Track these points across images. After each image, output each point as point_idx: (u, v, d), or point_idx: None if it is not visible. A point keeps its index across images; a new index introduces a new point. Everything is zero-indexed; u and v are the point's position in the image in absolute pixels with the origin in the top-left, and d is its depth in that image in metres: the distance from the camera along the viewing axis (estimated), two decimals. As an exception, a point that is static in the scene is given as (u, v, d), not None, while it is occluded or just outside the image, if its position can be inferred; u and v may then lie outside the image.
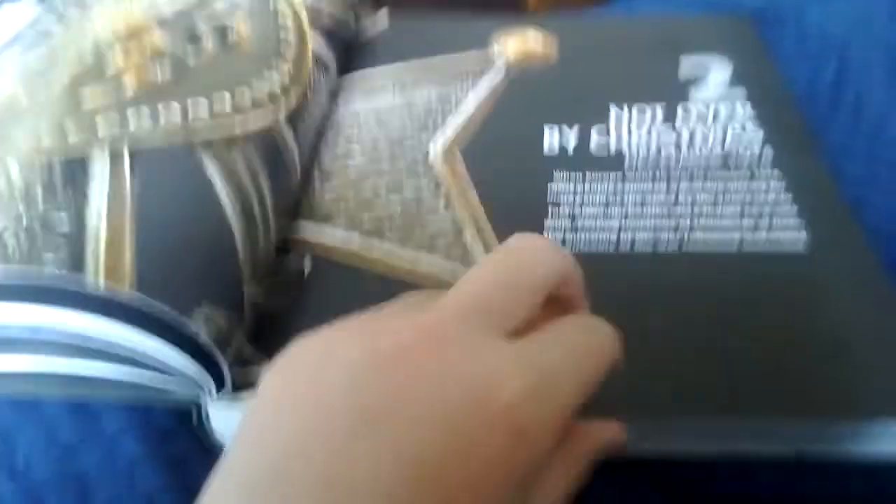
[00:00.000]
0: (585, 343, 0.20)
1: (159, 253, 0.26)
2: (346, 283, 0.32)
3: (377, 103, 0.42)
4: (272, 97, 0.34)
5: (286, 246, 0.34)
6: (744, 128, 0.38)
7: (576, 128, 0.39)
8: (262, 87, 0.33)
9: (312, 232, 0.34)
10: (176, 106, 0.29)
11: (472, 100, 0.41)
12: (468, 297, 0.19)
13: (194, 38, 0.33)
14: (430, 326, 0.17)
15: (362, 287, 0.32)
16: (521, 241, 0.21)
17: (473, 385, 0.16)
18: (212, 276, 0.27)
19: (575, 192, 0.35)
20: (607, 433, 0.22)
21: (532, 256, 0.20)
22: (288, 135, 0.34)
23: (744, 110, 0.40)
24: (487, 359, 0.17)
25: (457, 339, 0.17)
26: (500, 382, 0.16)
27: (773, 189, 0.35)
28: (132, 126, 0.28)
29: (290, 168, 0.34)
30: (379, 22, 0.50)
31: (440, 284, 0.32)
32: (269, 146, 0.33)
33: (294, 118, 0.35)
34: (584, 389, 0.19)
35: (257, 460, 0.16)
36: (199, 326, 0.25)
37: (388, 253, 0.33)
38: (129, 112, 0.28)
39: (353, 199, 0.36)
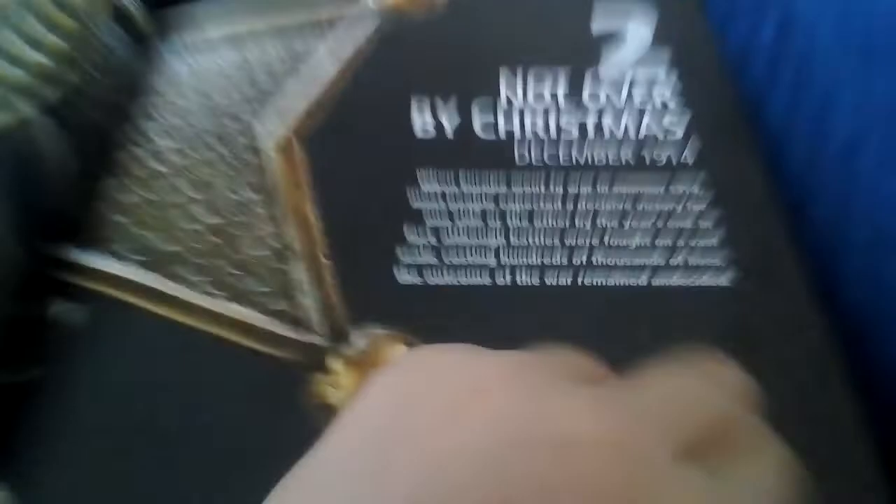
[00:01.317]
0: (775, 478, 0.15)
1: None
2: (130, 336, 0.24)
3: (201, 63, 0.32)
4: (20, 88, 0.24)
5: (44, 289, 0.25)
6: (665, 107, 0.31)
7: (453, 101, 0.31)
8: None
9: (93, 265, 0.25)
10: None
11: (326, 60, 0.32)
12: (656, 405, 0.15)
13: None
14: (616, 430, 0.13)
15: (150, 342, 0.24)
16: (713, 369, 0.17)
17: None
18: None
19: (444, 199, 0.27)
20: None
21: (723, 391, 0.16)
22: (48, 132, 0.25)
23: (667, 81, 0.32)
24: (663, 482, 0.13)
25: (637, 455, 0.13)
26: None
27: (695, 200, 0.27)
28: None
29: (48, 177, 0.25)
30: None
31: (251, 334, 0.24)
32: (11, 148, 0.23)
33: (65, 107, 0.25)
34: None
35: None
36: None
37: (190, 294, 0.25)
38: None
39: (153, 215, 0.27)
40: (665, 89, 0.31)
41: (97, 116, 0.28)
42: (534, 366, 0.15)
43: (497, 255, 0.26)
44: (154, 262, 0.25)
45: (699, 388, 0.16)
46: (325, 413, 0.22)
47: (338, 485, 0.13)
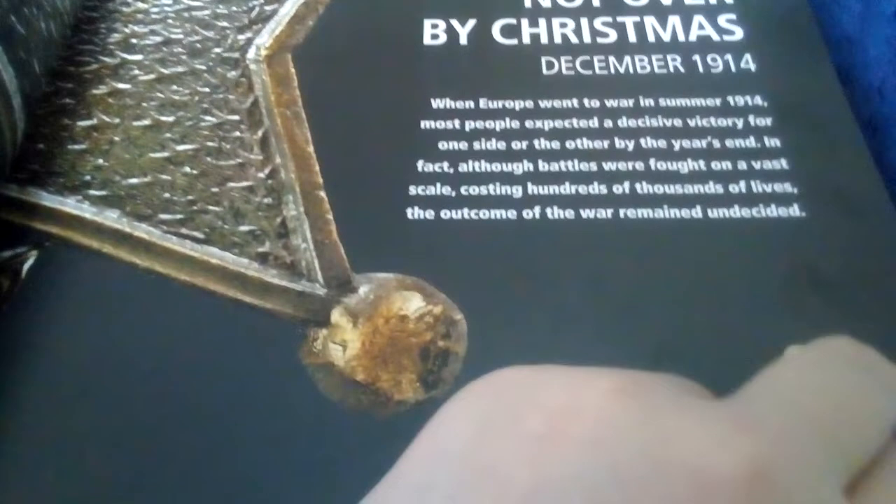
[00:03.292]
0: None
1: None
2: (87, 286, 0.20)
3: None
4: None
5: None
6: (720, 2, 0.26)
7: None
8: None
9: (42, 202, 0.21)
10: None
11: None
12: (805, 420, 0.12)
13: None
14: (765, 463, 0.10)
15: (112, 292, 0.20)
16: (868, 360, 0.13)
17: None
18: None
19: (459, 119, 0.23)
20: None
21: (888, 393, 0.13)
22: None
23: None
24: None
25: (799, 491, 0.11)
26: None
27: (758, 114, 0.23)
28: None
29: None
30: None
31: (235, 280, 0.20)
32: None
33: (2, 13, 0.21)
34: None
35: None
36: None
37: (159, 235, 0.21)
38: None
39: (113, 142, 0.23)
40: (718, -16, 0.26)
41: (44, 25, 0.23)
42: (644, 382, 0.12)
43: (523, 185, 0.22)
44: (115, 197, 0.21)
45: (859, 386, 0.12)
46: (329, 375, 0.19)
47: None
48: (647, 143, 0.22)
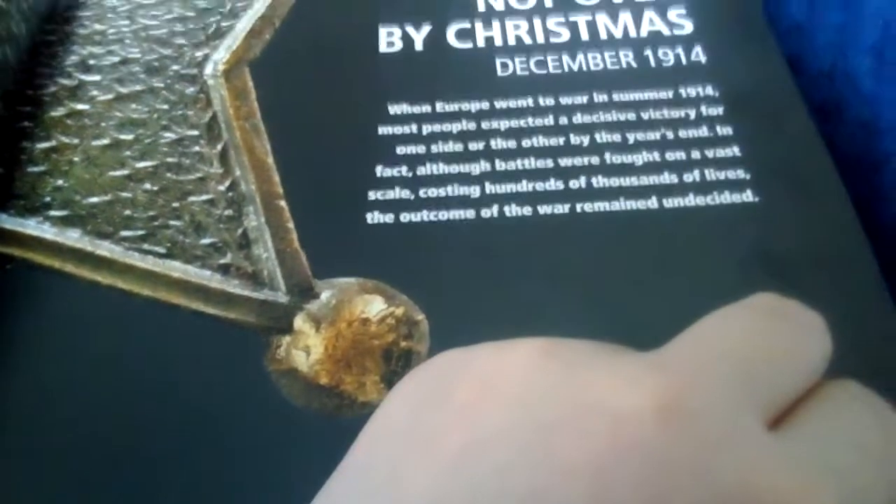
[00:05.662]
0: (884, 440, 0.13)
1: None
2: (49, 306, 0.20)
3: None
4: None
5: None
6: (668, 3, 0.26)
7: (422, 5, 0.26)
8: None
9: (5, 227, 0.22)
10: None
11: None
12: (720, 360, 0.12)
13: None
14: (676, 395, 0.11)
15: (75, 311, 0.20)
16: (788, 309, 0.14)
17: (746, 498, 0.11)
18: None
19: (416, 122, 0.23)
20: None
21: (806, 335, 0.14)
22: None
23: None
24: (758, 458, 0.11)
25: (711, 419, 0.11)
26: (789, 500, 0.11)
27: (710, 103, 0.23)
28: None
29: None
30: None
31: (197, 293, 0.20)
32: None
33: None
34: None
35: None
36: None
37: (120, 253, 0.21)
38: None
39: (73, 162, 0.23)
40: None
41: (0, 49, 0.24)
42: (566, 343, 0.13)
43: (481, 185, 0.22)
44: (76, 217, 0.21)
45: (774, 331, 0.13)
46: (293, 381, 0.19)
47: (355, 502, 0.12)
48: (602, 137, 0.23)
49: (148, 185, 0.22)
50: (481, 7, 0.27)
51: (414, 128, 0.23)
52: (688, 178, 0.22)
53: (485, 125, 0.23)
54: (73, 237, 0.21)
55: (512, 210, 0.21)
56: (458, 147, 0.23)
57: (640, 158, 0.22)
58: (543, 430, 0.11)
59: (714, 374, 0.12)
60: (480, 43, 0.26)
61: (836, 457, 0.12)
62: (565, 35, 0.26)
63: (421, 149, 0.23)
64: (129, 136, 0.23)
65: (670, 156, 0.22)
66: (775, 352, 0.13)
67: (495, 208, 0.21)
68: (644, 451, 0.10)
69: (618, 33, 0.26)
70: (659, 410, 0.11)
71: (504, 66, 0.25)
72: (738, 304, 0.14)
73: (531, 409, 0.11)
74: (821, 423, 0.12)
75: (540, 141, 0.23)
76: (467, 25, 0.26)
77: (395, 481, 0.11)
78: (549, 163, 0.22)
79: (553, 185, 0.22)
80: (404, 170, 0.22)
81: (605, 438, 0.10)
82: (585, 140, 0.23)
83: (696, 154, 0.22)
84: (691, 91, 0.24)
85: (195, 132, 0.23)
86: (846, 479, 0.11)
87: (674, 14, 0.26)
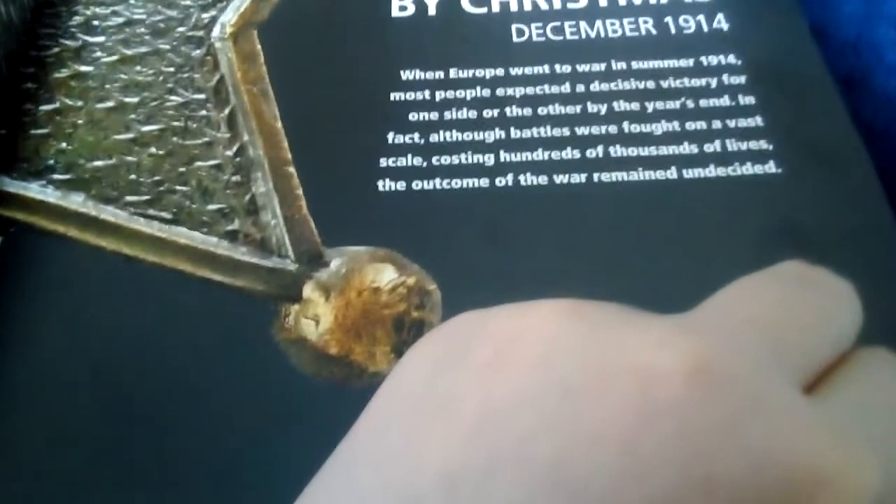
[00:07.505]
0: None
1: None
2: (54, 272, 0.20)
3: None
4: None
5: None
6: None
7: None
8: None
9: (5, 188, 0.21)
10: None
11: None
12: (750, 325, 0.12)
13: None
14: (709, 358, 0.11)
15: (80, 277, 0.19)
16: (817, 276, 0.14)
17: (783, 464, 0.10)
18: None
19: (429, 88, 0.23)
20: None
21: (836, 302, 0.13)
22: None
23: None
24: (796, 424, 0.11)
25: (745, 382, 0.11)
26: (830, 467, 0.10)
27: (731, 72, 0.23)
28: None
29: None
30: None
31: (204, 260, 0.20)
32: None
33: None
34: None
35: None
36: None
37: (126, 218, 0.20)
38: None
39: (77, 125, 0.22)
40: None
41: (3, 10, 0.23)
42: (589, 304, 0.12)
43: (495, 153, 0.21)
44: (80, 181, 0.21)
45: (804, 298, 0.12)
46: (302, 350, 0.19)
47: (369, 470, 0.11)
48: (620, 106, 0.22)
49: (153, 149, 0.22)
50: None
51: (427, 94, 0.23)
52: (708, 148, 0.21)
53: (500, 92, 0.23)
54: (76, 201, 0.20)
55: (527, 179, 0.21)
56: (473, 114, 0.22)
57: (659, 128, 0.22)
58: (568, 394, 0.10)
59: (745, 339, 0.11)
60: (496, 8, 0.25)
61: (874, 425, 0.11)
62: (583, 1, 0.25)
63: (434, 116, 0.22)
64: (135, 99, 0.23)
65: (690, 126, 0.22)
66: (806, 318, 0.12)
67: (510, 177, 0.21)
68: (675, 417, 0.10)
69: (637, 0, 0.25)
70: (691, 374, 0.10)
71: (520, 31, 0.24)
72: (765, 271, 0.13)
73: (555, 370, 0.10)
74: (856, 390, 0.12)
75: (556, 109, 0.22)
76: (482, -11, 0.25)
77: (411, 450, 0.11)
78: (566, 131, 0.22)
79: (569, 154, 0.21)
80: (417, 137, 0.22)
81: (634, 403, 0.10)
82: (603, 109, 0.22)
83: (717, 124, 0.22)
84: (713, 59, 0.23)
85: (202, 95, 0.23)
86: (886, 448, 0.11)
87: (695, -20, 0.25)
